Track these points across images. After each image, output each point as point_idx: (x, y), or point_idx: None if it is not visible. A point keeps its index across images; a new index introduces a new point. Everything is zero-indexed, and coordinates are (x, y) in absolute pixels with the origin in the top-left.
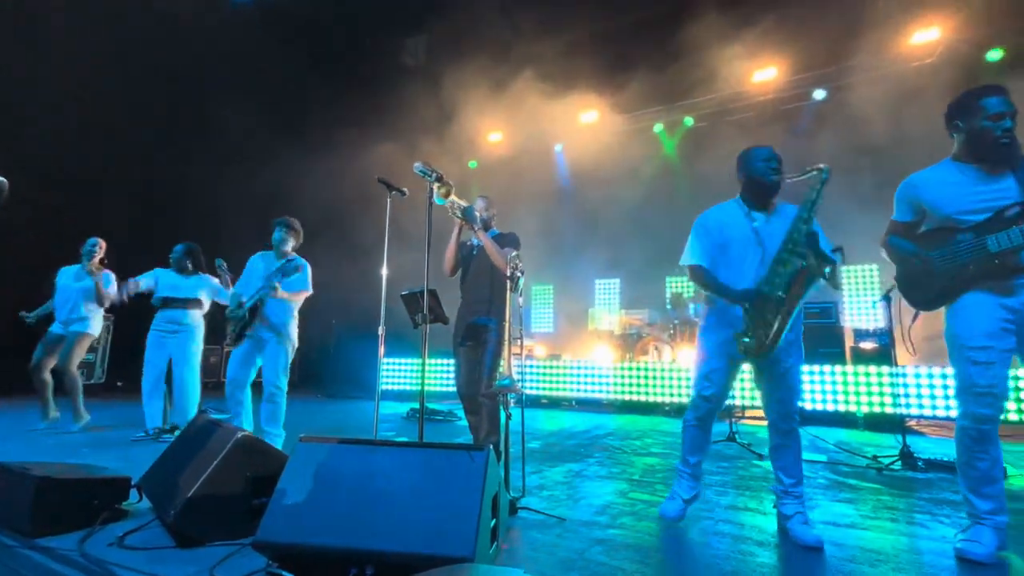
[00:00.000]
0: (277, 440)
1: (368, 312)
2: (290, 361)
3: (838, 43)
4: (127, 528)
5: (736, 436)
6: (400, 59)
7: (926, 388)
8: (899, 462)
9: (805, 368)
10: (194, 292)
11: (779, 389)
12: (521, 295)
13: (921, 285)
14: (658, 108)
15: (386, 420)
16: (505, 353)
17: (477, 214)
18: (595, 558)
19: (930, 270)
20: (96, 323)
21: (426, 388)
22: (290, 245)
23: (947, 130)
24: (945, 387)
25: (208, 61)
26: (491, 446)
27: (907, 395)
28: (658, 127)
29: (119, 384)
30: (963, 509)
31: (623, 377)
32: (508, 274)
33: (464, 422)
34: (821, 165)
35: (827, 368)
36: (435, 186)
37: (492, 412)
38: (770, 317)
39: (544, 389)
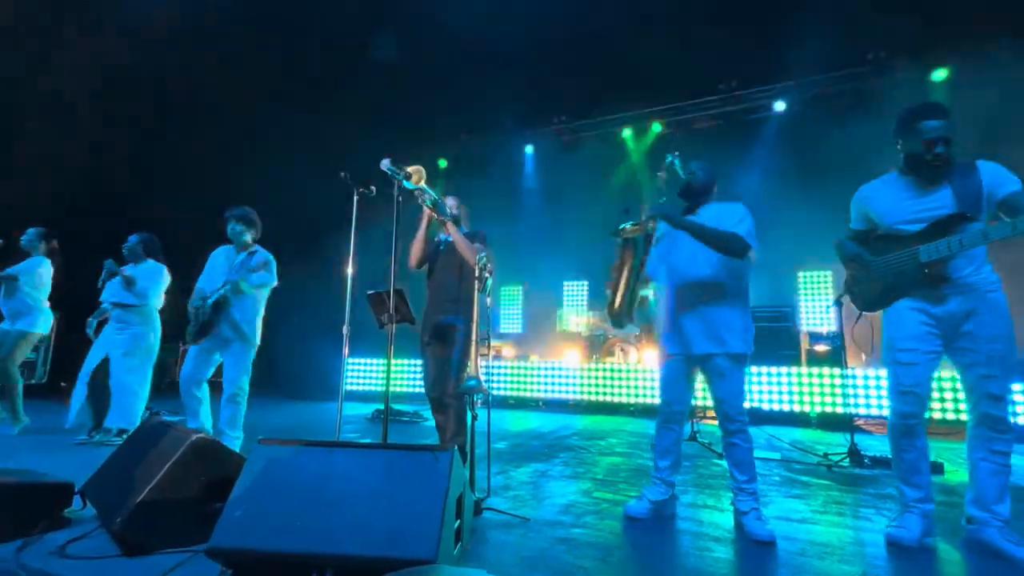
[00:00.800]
0: (235, 443)
1: (333, 311)
2: (251, 361)
3: (797, 58)
4: (69, 536)
5: (697, 436)
6: (371, 53)
7: (873, 389)
8: (847, 459)
9: (763, 370)
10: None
11: (720, 391)
12: (489, 295)
13: (863, 288)
14: (627, 113)
15: (350, 421)
16: (472, 353)
17: (448, 209)
18: (558, 557)
19: (871, 275)
20: (43, 320)
21: (392, 389)
22: (249, 237)
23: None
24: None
25: (167, 53)
26: (456, 447)
27: (856, 395)
28: (626, 132)
29: (63, 384)
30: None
31: (589, 378)
32: (477, 273)
33: (430, 423)
34: (676, 153)
35: (783, 369)
36: (404, 173)
37: (459, 413)
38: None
39: (511, 390)
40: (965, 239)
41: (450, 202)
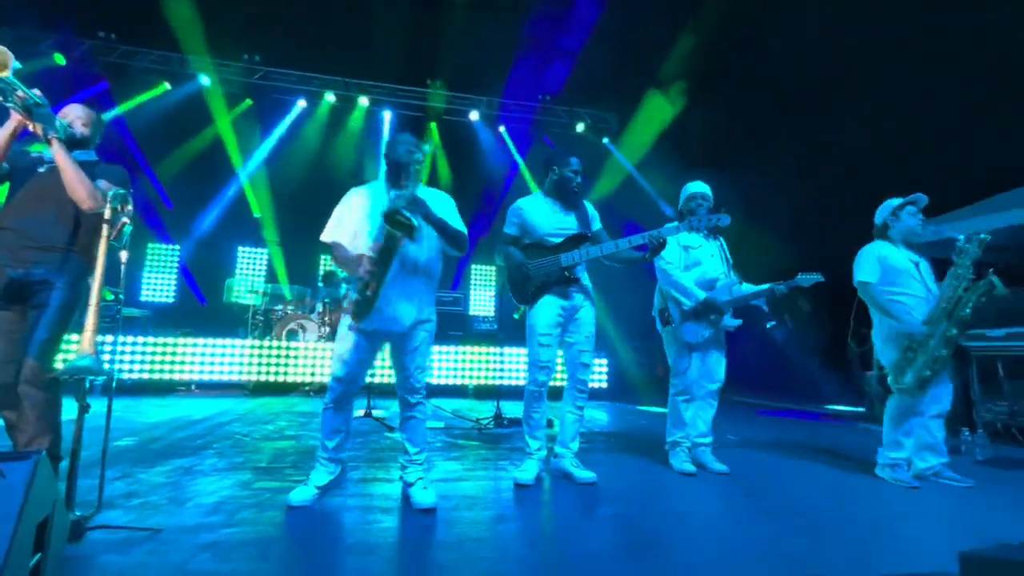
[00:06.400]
0: None
1: None
2: None
3: (492, 76)
4: None
5: (372, 412)
6: None
7: (514, 364)
8: (493, 423)
9: (434, 348)
10: None
11: (408, 366)
12: (125, 249)
13: (522, 287)
14: (335, 77)
15: None
16: (89, 323)
17: (64, 121)
18: (201, 568)
19: (528, 276)
20: None
21: None
22: None
23: (544, 170)
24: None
25: None
26: (43, 453)
27: (503, 369)
28: (329, 97)
29: None
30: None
31: (260, 356)
32: (107, 216)
33: None
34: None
35: (451, 348)
36: None
37: (41, 406)
38: (371, 280)
39: (154, 372)
40: (590, 251)
41: (73, 113)
